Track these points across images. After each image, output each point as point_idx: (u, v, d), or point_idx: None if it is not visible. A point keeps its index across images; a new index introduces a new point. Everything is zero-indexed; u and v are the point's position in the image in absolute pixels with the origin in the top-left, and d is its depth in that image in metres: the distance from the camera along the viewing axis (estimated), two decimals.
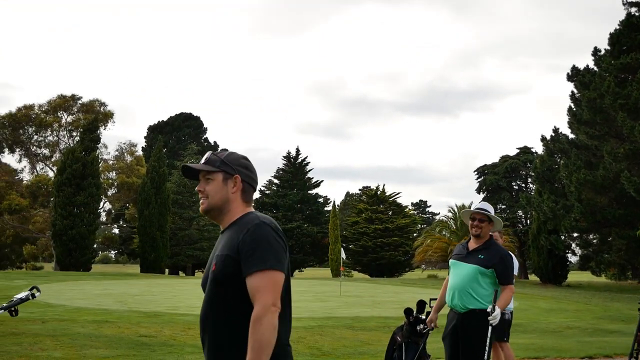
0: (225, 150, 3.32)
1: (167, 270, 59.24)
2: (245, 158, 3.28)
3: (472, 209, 6.88)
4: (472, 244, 6.65)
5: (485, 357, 6.25)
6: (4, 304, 5.34)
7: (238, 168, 3.20)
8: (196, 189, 3.25)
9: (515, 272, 7.97)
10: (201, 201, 3.21)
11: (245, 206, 3.20)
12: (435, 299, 7.05)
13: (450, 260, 6.81)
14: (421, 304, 7.13)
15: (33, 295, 5.44)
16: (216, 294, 2.99)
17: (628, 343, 13.04)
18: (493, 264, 6.41)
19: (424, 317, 7.00)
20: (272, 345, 2.83)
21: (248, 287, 2.90)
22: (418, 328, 6.93)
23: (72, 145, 58.48)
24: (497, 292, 6.32)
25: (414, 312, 7.12)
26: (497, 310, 6.17)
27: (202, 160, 3.25)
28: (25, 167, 73.63)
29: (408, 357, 6.94)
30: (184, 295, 25.23)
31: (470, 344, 6.31)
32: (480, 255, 6.47)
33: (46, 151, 64.75)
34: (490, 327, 6.22)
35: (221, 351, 2.96)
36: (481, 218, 6.62)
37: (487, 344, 6.24)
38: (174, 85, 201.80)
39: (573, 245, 46.89)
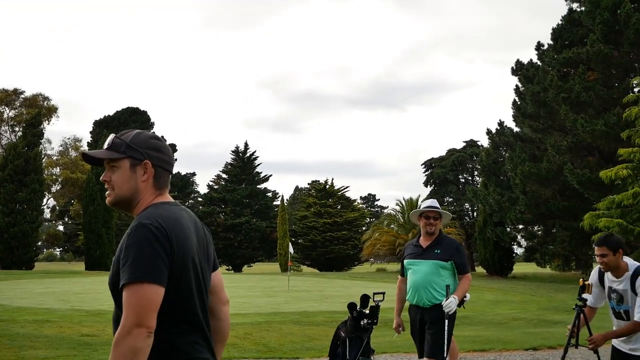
0: (132, 130, 2.82)
1: None
2: (156, 137, 2.85)
3: (420, 208, 7.01)
4: (425, 241, 6.87)
5: (445, 348, 6.35)
6: None
7: (147, 151, 2.74)
8: (101, 178, 2.78)
9: None
10: (107, 192, 2.79)
11: (157, 195, 2.76)
12: (380, 293, 6.99)
13: (406, 261, 6.95)
14: (364, 299, 7.05)
15: None
16: (115, 301, 2.60)
17: None
18: (450, 256, 6.62)
19: (367, 311, 6.92)
20: None
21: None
22: (362, 323, 6.85)
23: (14, 140, 57.30)
24: (448, 287, 6.51)
25: (358, 307, 7.04)
26: (451, 299, 6.38)
27: (105, 145, 2.78)
28: None
29: (352, 352, 6.85)
30: None
31: (434, 336, 6.49)
32: (436, 250, 6.68)
33: None
34: (447, 319, 6.41)
35: None
36: (435, 216, 6.82)
37: (446, 335, 6.35)
38: (121, 80, 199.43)
39: (518, 237, 47.58)
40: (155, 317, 2.43)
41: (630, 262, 5.63)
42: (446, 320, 6.44)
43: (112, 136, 2.80)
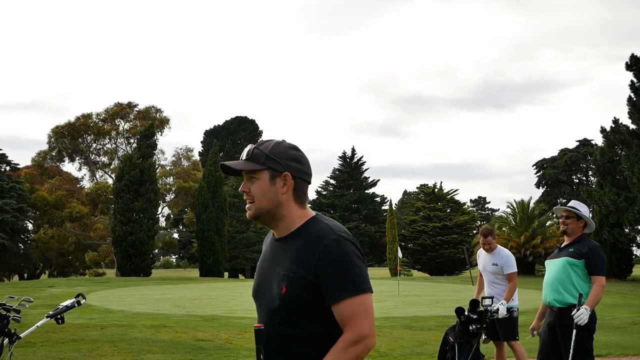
0: (271, 140, 2.77)
1: (226, 274, 59.65)
2: (295, 148, 2.76)
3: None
4: (565, 242, 6.71)
5: (570, 353, 6.15)
6: (51, 312, 5.36)
7: (287, 162, 2.69)
8: (240, 189, 2.76)
9: None
10: (247, 205, 2.74)
11: (301, 208, 2.74)
12: (489, 298, 6.91)
13: (546, 261, 6.88)
14: (473, 303, 6.94)
15: (79, 303, 5.45)
16: (287, 316, 2.59)
17: None
18: (583, 254, 6.40)
19: (475, 316, 6.81)
20: None
21: (337, 315, 2.53)
22: (470, 328, 6.75)
23: (129, 152, 59.40)
24: (581, 296, 6.25)
25: (466, 312, 6.94)
26: (582, 310, 6.13)
27: (244, 156, 2.73)
28: (85, 175, 75.21)
29: (461, 357, 6.76)
30: (241, 298, 25.31)
31: (567, 339, 6.25)
32: (570, 249, 6.50)
33: (105, 159, 65.94)
34: (574, 329, 6.17)
35: None
36: (567, 215, 6.63)
37: (571, 347, 6.14)
38: (229, 89, 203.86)
39: (638, 238, 45.81)
40: None
41: None
42: (574, 331, 6.16)
43: (250, 146, 2.75)
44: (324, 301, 2.56)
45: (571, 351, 6.14)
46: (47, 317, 5.30)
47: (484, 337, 7.41)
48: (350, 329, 2.49)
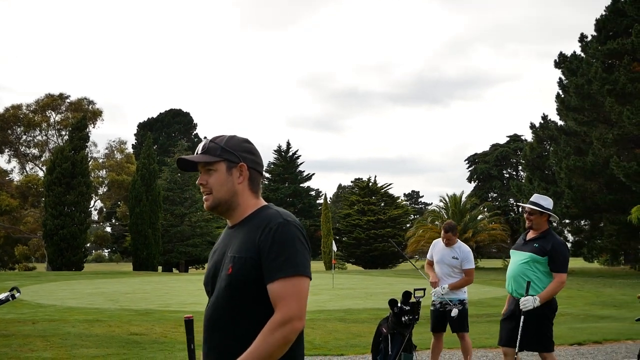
0: (223, 135, 2.89)
1: (160, 268, 59.12)
2: (248, 141, 2.89)
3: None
4: (530, 234, 6.89)
5: (518, 340, 6.48)
6: None
7: (242, 154, 2.82)
8: (197, 182, 2.86)
9: None
10: (204, 197, 2.83)
11: (255, 197, 2.84)
12: (421, 289, 7.08)
13: (510, 250, 7.06)
14: (406, 295, 7.11)
15: (13, 296, 5.42)
16: (230, 297, 2.68)
17: (619, 329, 13.11)
18: (547, 251, 6.60)
19: (408, 307, 6.98)
20: (274, 359, 2.56)
21: (270, 294, 2.60)
22: (403, 319, 6.92)
23: (61, 144, 58.31)
24: (529, 284, 6.54)
25: (399, 303, 7.10)
26: (529, 298, 6.43)
27: (200, 149, 2.85)
28: (14, 167, 73.39)
29: (394, 348, 6.93)
30: (176, 292, 25.18)
31: (527, 327, 6.50)
32: (535, 244, 6.69)
33: (35, 151, 64.71)
34: (522, 315, 6.45)
35: (230, 355, 2.64)
36: (530, 211, 6.83)
37: (519, 331, 6.46)
38: (163, 82, 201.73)
39: (565, 231, 47.04)
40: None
41: None
42: (522, 317, 6.47)
43: (206, 140, 2.87)
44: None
45: (518, 337, 6.47)
46: None
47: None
48: (279, 310, 2.55)
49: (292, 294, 2.55)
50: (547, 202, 6.86)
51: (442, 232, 8.63)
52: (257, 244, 2.64)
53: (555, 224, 43.18)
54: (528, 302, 6.41)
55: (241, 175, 2.81)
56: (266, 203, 2.85)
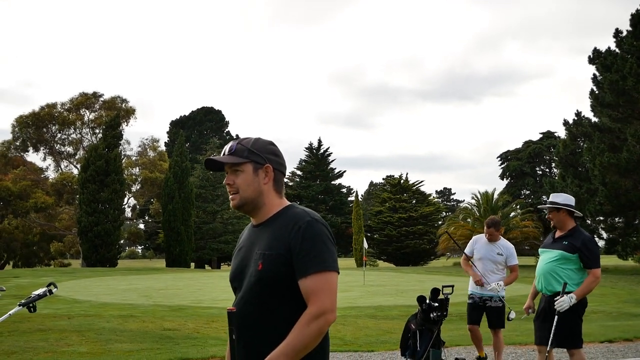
0: (249, 137, 3.02)
1: (192, 264, 59.57)
2: (272, 143, 3.02)
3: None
4: (558, 233, 6.92)
5: (550, 338, 6.51)
6: (23, 300, 5.45)
7: (267, 156, 2.95)
8: (224, 182, 2.99)
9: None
10: (231, 196, 2.96)
11: (279, 197, 2.97)
12: (449, 286, 7.13)
13: (539, 249, 7.13)
14: (434, 292, 7.17)
15: (50, 291, 5.55)
16: (259, 294, 2.80)
17: None
18: (577, 248, 6.63)
19: (436, 304, 7.04)
20: (308, 350, 2.68)
21: (302, 289, 2.72)
22: (431, 315, 6.98)
23: (95, 142, 58.97)
24: (565, 285, 6.55)
25: (427, 300, 7.16)
26: (565, 298, 6.44)
27: (226, 151, 2.98)
28: (49, 165, 74.36)
29: (422, 344, 6.99)
30: (208, 288, 25.42)
31: (558, 324, 6.53)
32: (564, 242, 6.73)
33: (70, 149, 65.41)
34: (556, 315, 6.48)
35: (256, 350, 2.78)
36: (549, 210, 6.90)
37: (552, 330, 6.50)
38: (195, 80, 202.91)
39: (599, 229, 46.59)
40: None
41: None
42: (556, 317, 6.50)
43: (233, 142, 3.00)
44: (296, 279, 2.77)
45: (551, 336, 6.50)
46: (19, 305, 5.40)
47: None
48: (313, 304, 2.68)
49: (324, 288, 2.68)
50: (562, 198, 6.89)
51: (485, 227, 8.64)
52: (287, 242, 2.76)
53: (588, 221, 42.81)
54: (564, 303, 6.42)
55: (267, 176, 2.94)
56: (290, 203, 2.97)
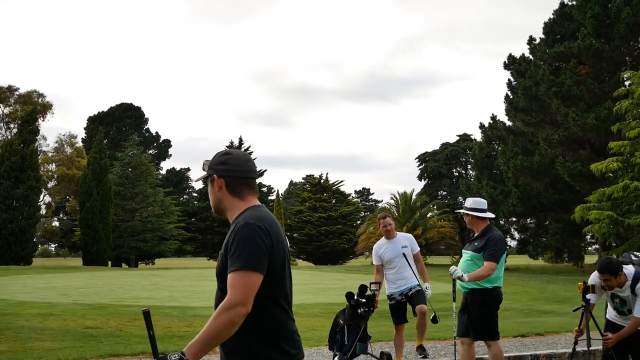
0: (217, 153, 3.36)
1: (109, 263, 58.58)
2: (225, 153, 3.30)
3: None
4: (475, 235, 7.41)
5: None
6: None
7: (215, 167, 3.24)
8: None
9: None
10: None
11: (239, 201, 3.22)
12: (377, 283, 7.43)
13: (463, 249, 7.57)
14: (362, 288, 7.43)
15: None
16: (221, 289, 3.09)
17: (561, 322, 13.64)
18: (482, 247, 7.10)
19: (364, 300, 7.30)
20: (221, 340, 2.94)
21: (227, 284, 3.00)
22: (359, 311, 7.23)
23: (9, 137, 57.42)
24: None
25: (355, 296, 7.41)
26: (456, 268, 7.00)
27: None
28: None
29: (350, 338, 7.24)
30: (129, 286, 25.15)
31: (474, 318, 7.03)
32: (475, 243, 7.23)
33: None
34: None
35: (228, 341, 3.02)
36: (463, 214, 7.43)
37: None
38: (114, 76, 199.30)
39: (511, 229, 48.02)
40: (252, 301, 2.94)
41: (627, 271, 6.41)
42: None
43: (206, 160, 3.36)
44: None
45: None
46: None
47: None
48: (227, 297, 2.93)
49: (238, 283, 2.93)
50: (471, 202, 7.41)
51: (380, 220, 9.20)
52: (226, 243, 3.07)
53: (501, 222, 44.10)
54: (458, 271, 6.92)
55: (215, 185, 3.24)
56: (254, 204, 3.24)
